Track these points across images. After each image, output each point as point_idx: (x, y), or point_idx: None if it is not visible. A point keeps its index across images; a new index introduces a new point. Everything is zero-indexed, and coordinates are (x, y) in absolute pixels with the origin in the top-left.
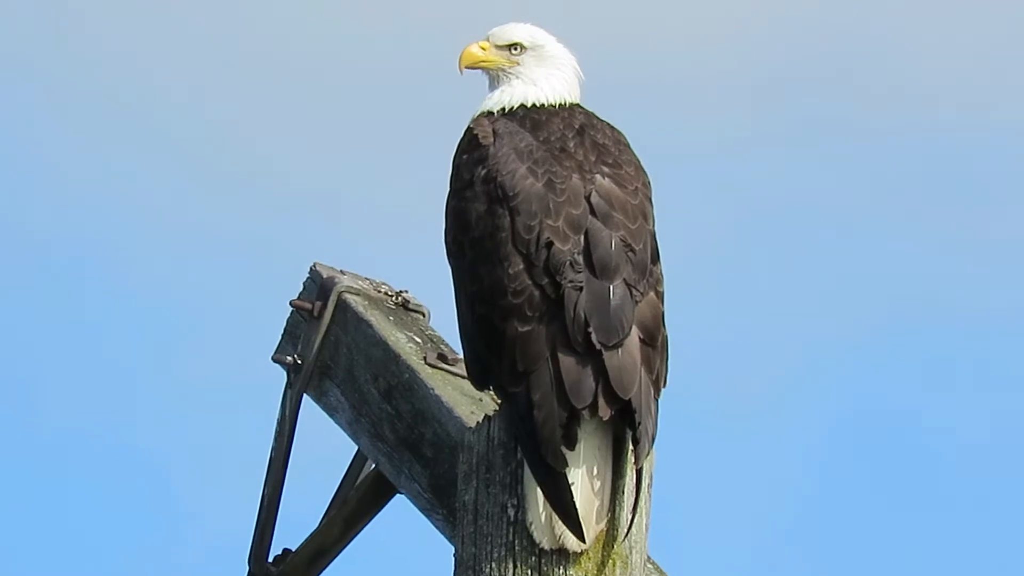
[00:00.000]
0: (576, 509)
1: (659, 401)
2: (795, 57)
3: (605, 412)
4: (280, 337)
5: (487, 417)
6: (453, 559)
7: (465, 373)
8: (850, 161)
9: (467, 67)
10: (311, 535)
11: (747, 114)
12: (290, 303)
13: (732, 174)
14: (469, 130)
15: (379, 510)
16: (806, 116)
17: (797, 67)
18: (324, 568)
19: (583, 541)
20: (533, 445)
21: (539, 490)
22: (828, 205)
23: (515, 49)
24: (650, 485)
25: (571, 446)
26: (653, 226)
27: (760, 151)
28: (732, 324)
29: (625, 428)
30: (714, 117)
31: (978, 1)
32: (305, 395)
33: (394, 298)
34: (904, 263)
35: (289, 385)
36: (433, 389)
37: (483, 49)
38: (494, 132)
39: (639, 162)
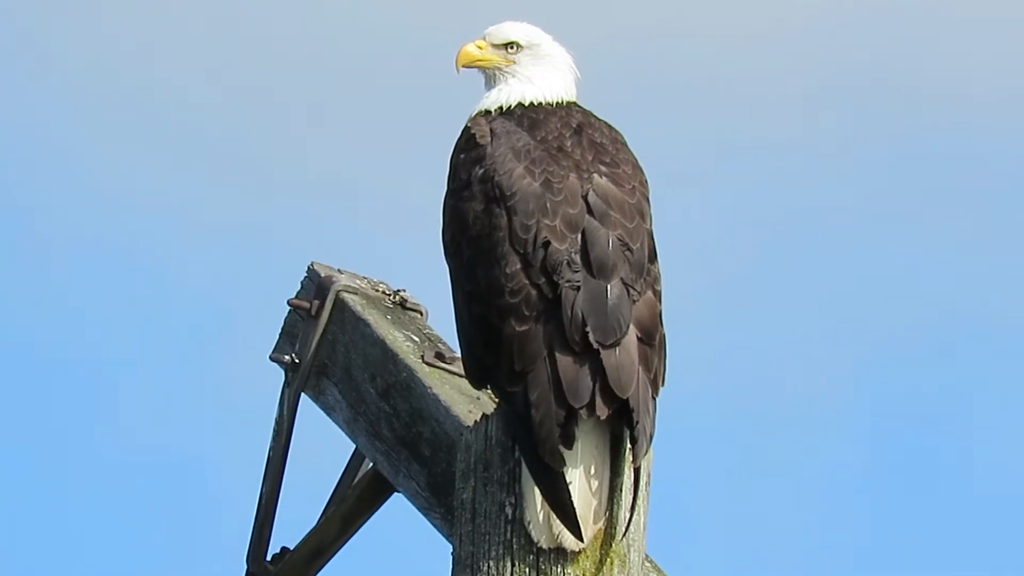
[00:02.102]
0: (574, 508)
1: (657, 400)
2: (828, 63)
3: (603, 411)
4: (278, 336)
5: (485, 416)
6: (451, 557)
7: (463, 372)
8: (881, 165)
9: (464, 66)
10: (309, 534)
11: (782, 117)
12: (288, 302)
13: (757, 180)
14: (466, 129)
15: (377, 509)
16: (841, 120)
17: (829, 73)
18: (322, 567)
19: (581, 540)
20: (531, 444)
21: (537, 489)
22: (861, 211)
23: (511, 48)
24: (648, 484)
25: (569, 445)
26: (651, 225)
27: (791, 154)
28: (744, 327)
29: (623, 427)
30: (746, 119)
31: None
32: (303, 394)
33: (392, 297)
34: (946, 268)
35: (287, 384)
36: (431, 388)
37: (479, 48)
38: (491, 131)
39: (636, 161)
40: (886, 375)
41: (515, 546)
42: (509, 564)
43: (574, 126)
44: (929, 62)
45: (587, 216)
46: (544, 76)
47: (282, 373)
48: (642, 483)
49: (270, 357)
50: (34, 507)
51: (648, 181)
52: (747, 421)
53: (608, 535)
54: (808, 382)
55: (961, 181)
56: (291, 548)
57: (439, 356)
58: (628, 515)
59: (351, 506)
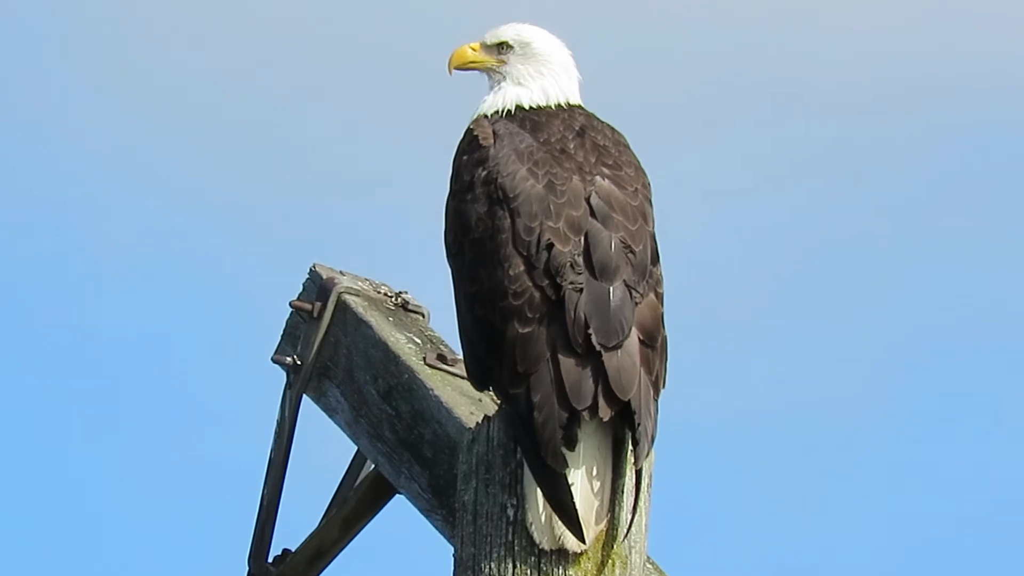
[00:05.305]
0: (576, 509)
1: (658, 402)
2: (854, 71)
3: (605, 413)
4: (280, 338)
5: (486, 418)
6: (452, 559)
7: (465, 374)
8: (906, 176)
9: (456, 68)
10: (310, 535)
11: (803, 125)
12: (290, 304)
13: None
14: (469, 131)
15: (378, 510)
16: (864, 132)
17: (849, 82)
18: (324, 568)
19: (583, 541)
20: (533, 446)
21: (539, 490)
22: (878, 220)
23: (503, 49)
24: (649, 485)
25: (571, 447)
26: (653, 227)
27: (804, 160)
28: (749, 330)
29: (625, 429)
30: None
31: None
32: (304, 396)
33: (394, 299)
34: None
35: (289, 386)
36: (432, 390)
37: (473, 50)
38: (494, 133)
39: (639, 163)
40: (886, 380)
41: (517, 547)
42: (511, 565)
43: (577, 128)
44: (962, 66)
45: (590, 218)
46: (534, 77)
47: (284, 375)
48: (644, 485)
49: (272, 359)
50: (39, 506)
51: (651, 184)
52: (750, 423)
53: (610, 536)
54: (811, 383)
55: (994, 190)
56: (292, 550)
57: (441, 358)
58: (630, 516)
59: (352, 508)
